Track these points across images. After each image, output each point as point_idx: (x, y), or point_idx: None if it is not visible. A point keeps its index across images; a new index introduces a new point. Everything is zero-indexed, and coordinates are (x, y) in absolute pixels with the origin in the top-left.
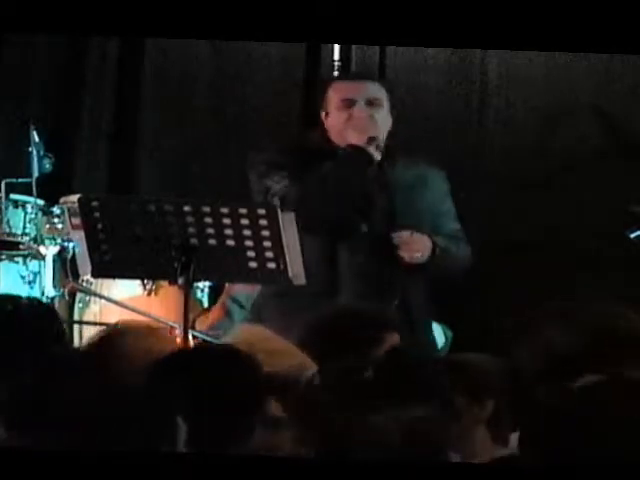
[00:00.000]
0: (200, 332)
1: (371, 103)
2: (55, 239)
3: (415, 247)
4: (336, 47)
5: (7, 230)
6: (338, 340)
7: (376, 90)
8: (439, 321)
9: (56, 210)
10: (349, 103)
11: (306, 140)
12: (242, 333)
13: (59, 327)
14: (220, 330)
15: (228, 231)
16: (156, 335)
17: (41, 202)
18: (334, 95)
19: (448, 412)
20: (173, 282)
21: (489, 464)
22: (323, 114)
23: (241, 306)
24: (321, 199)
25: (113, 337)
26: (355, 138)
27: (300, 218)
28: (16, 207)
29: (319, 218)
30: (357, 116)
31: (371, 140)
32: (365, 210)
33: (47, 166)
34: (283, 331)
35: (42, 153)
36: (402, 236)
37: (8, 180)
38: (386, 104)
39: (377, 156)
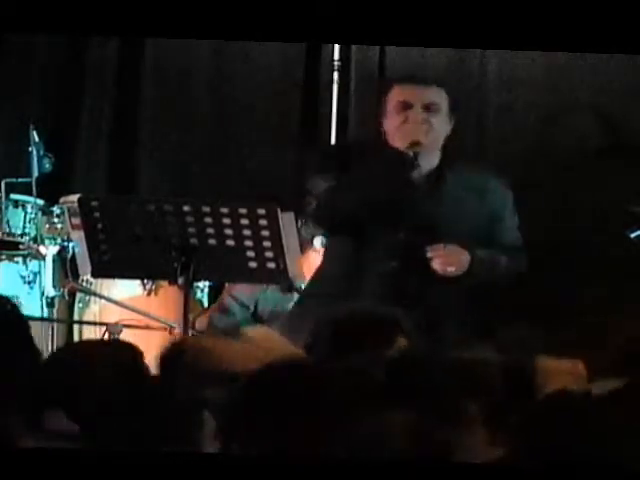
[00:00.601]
0: (200, 332)
1: (428, 108)
2: (55, 239)
3: (448, 260)
4: (336, 47)
5: (7, 230)
6: (345, 340)
7: (435, 95)
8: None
9: (56, 210)
10: (406, 106)
11: (363, 141)
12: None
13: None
14: (218, 325)
15: (228, 231)
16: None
17: (41, 202)
18: (393, 97)
19: (453, 412)
20: (173, 282)
21: (490, 464)
22: (382, 116)
23: (242, 305)
24: (350, 200)
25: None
26: (401, 141)
27: (328, 218)
28: (16, 207)
29: (344, 219)
30: (411, 120)
31: (416, 145)
32: (404, 215)
33: (47, 166)
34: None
35: (42, 153)
36: (435, 249)
37: (8, 180)
38: (445, 109)
39: (426, 161)
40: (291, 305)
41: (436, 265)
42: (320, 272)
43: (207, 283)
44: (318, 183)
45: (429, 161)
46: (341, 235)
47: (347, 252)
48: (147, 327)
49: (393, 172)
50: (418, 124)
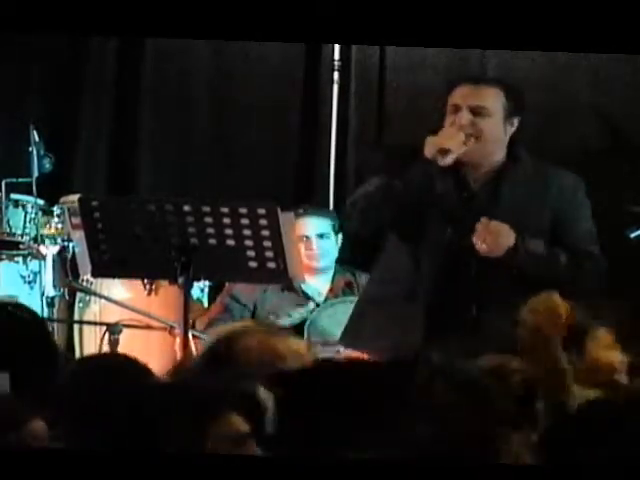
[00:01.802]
0: (200, 332)
1: (475, 111)
2: (55, 239)
3: (490, 236)
4: (336, 47)
5: (7, 230)
6: None
7: (486, 97)
8: None
9: (56, 210)
10: (455, 109)
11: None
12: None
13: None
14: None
15: (228, 231)
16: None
17: (41, 202)
18: (450, 99)
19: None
20: (173, 282)
21: (492, 464)
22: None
23: (241, 304)
24: (380, 201)
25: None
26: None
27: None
28: (16, 207)
29: (373, 220)
30: (457, 123)
31: (444, 152)
32: (448, 217)
33: (47, 166)
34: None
35: (42, 153)
36: (481, 222)
37: (8, 180)
38: (499, 113)
39: (470, 169)
40: (289, 305)
41: (477, 239)
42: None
43: (207, 283)
44: (375, 183)
45: (475, 168)
46: (394, 240)
47: (404, 255)
48: (147, 327)
49: (426, 182)
50: (460, 127)
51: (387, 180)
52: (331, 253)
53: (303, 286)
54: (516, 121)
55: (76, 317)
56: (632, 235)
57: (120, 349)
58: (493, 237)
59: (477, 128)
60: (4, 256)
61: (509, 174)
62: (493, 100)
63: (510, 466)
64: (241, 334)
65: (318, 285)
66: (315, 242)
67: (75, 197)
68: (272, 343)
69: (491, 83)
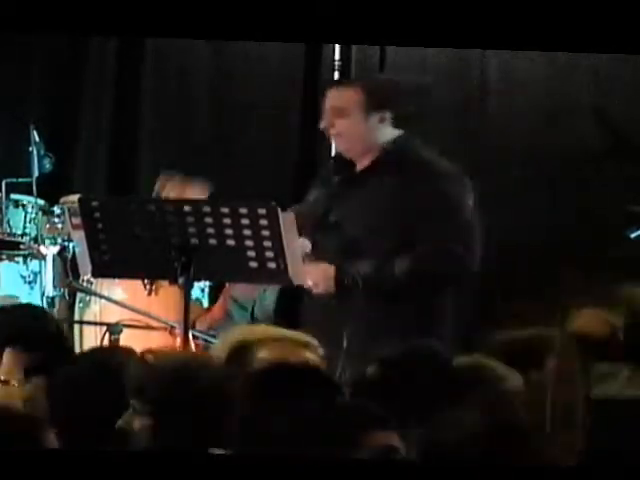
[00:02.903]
0: (200, 332)
1: (335, 112)
2: (55, 239)
3: (311, 278)
4: (337, 47)
5: (7, 230)
6: None
7: (343, 99)
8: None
9: (56, 210)
10: (324, 112)
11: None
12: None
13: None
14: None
15: (228, 231)
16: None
17: (41, 202)
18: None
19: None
20: (173, 282)
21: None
22: None
23: (242, 307)
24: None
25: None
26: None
27: None
28: (16, 207)
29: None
30: (323, 125)
31: (342, 152)
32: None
33: (47, 166)
34: None
35: (42, 153)
36: (308, 264)
37: (9, 180)
38: (357, 111)
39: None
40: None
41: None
42: None
43: (207, 283)
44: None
45: (361, 163)
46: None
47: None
48: (148, 327)
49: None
50: (325, 129)
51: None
52: None
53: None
54: (387, 115)
55: (76, 317)
56: (632, 235)
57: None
58: (314, 277)
59: (337, 128)
60: (4, 256)
61: (377, 168)
62: (349, 100)
63: (509, 466)
64: (257, 344)
65: None
66: None
67: (75, 197)
68: (287, 357)
69: (350, 84)
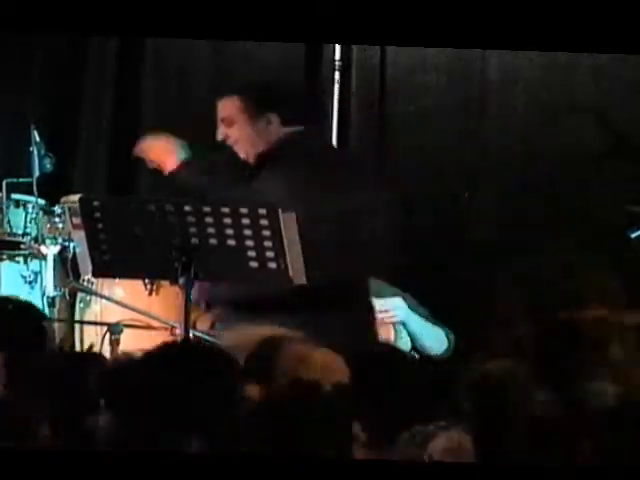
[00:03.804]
0: (201, 331)
1: (223, 123)
2: (56, 239)
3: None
4: (337, 47)
5: (8, 230)
6: None
7: (225, 109)
8: (442, 324)
9: (57, 210)
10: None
11: None
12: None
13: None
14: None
15: (229, 231)
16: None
17: (42, 202)
18: None
19: None
20: (174, 282)
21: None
22: None
23: None
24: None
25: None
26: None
27: None
28: (17, 207)
29: None
30: (218, 139)
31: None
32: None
33: (48, 166)
34: None
35: (43, 153)
36: None
37: (9, 180)
38: (241, 118)
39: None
40: None
41: None
42: None
43: None
44: None
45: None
46: None
47: None
48: (148, 327)
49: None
50: (224, 141)
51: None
52: None
53: None
54: (272, 117)
55: (77, 317)
56: (632, 235)
57: (121, 349)
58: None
59: (230, 137)
60: (5, 256)
61: (261, 163)
62: (230, 110)
63: (509, 466)
64: (279, 343)
65: None
66: None
67: (76, 197)
68: (308, 356)
69: (230, 94)
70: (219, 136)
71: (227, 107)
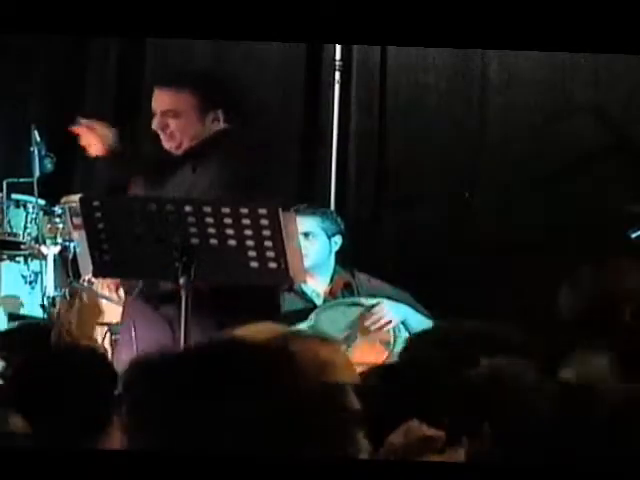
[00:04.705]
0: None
1: (166, 114)
2: (56, 239)
3: None
4: (337, 47)
5: (8, 230)
6: None
7: (173, 102)
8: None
9: (57, 210)
10: (154, 113)
11: None
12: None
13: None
14: None
15: (229, 231)
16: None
17: (42, 202)
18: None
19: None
20: (174, 282)
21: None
22: None
23: None
24: None
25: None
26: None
27: None
28: (17, 207)
29: None
30: (154, 126)
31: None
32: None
33: (48, 166)
34: None
35: (43, 153)
36: None
37: (10, 180)
38: (189, 112)
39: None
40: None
41: None
42: None
43: None
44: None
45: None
46: None
47: None
48: None
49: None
50: (157, 131)
51: None
52: (318, 253)
53: (303, 287)
54: (220, 113)
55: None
56: (632, 235)
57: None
58: None
59: (169, 129)
60: (5, 256)
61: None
62: (179, 103)
63: (507, 466)
64: (292, 340)
65: (317, 286)
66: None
67: (76, 197)
68: (323, 353)
69: (181, 85)
70: (156, 125)
71: (177, 99)
